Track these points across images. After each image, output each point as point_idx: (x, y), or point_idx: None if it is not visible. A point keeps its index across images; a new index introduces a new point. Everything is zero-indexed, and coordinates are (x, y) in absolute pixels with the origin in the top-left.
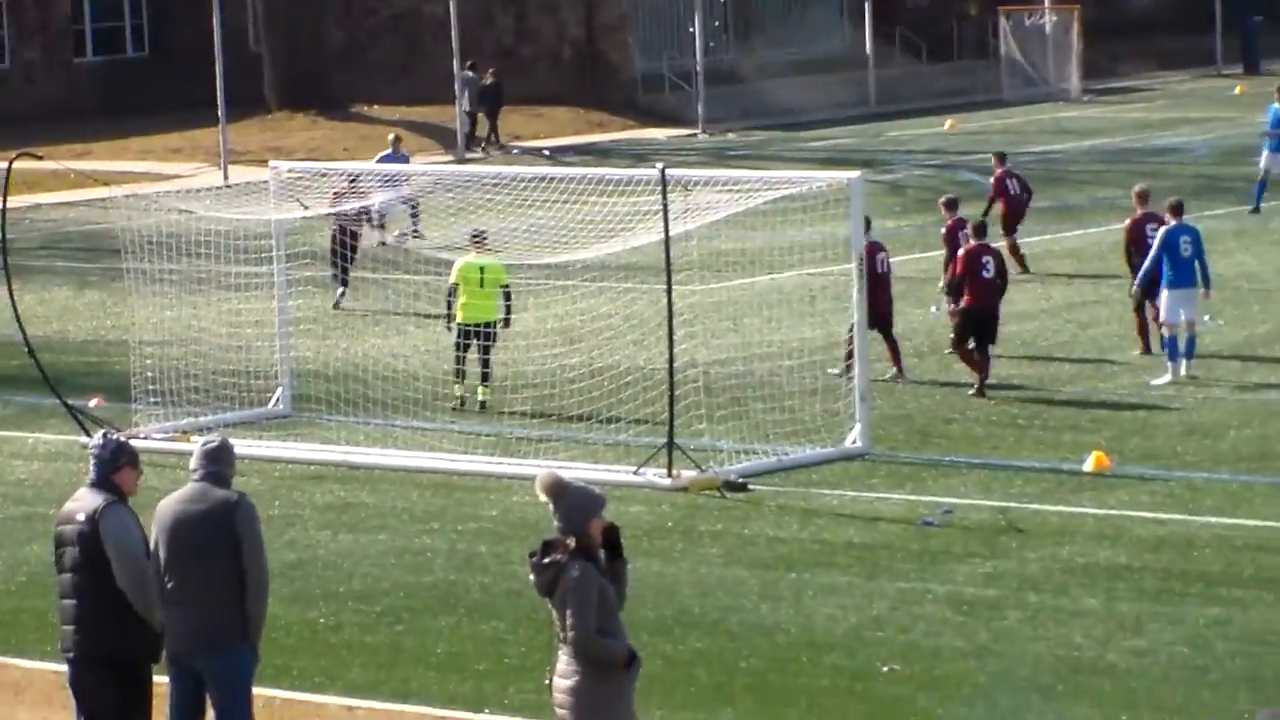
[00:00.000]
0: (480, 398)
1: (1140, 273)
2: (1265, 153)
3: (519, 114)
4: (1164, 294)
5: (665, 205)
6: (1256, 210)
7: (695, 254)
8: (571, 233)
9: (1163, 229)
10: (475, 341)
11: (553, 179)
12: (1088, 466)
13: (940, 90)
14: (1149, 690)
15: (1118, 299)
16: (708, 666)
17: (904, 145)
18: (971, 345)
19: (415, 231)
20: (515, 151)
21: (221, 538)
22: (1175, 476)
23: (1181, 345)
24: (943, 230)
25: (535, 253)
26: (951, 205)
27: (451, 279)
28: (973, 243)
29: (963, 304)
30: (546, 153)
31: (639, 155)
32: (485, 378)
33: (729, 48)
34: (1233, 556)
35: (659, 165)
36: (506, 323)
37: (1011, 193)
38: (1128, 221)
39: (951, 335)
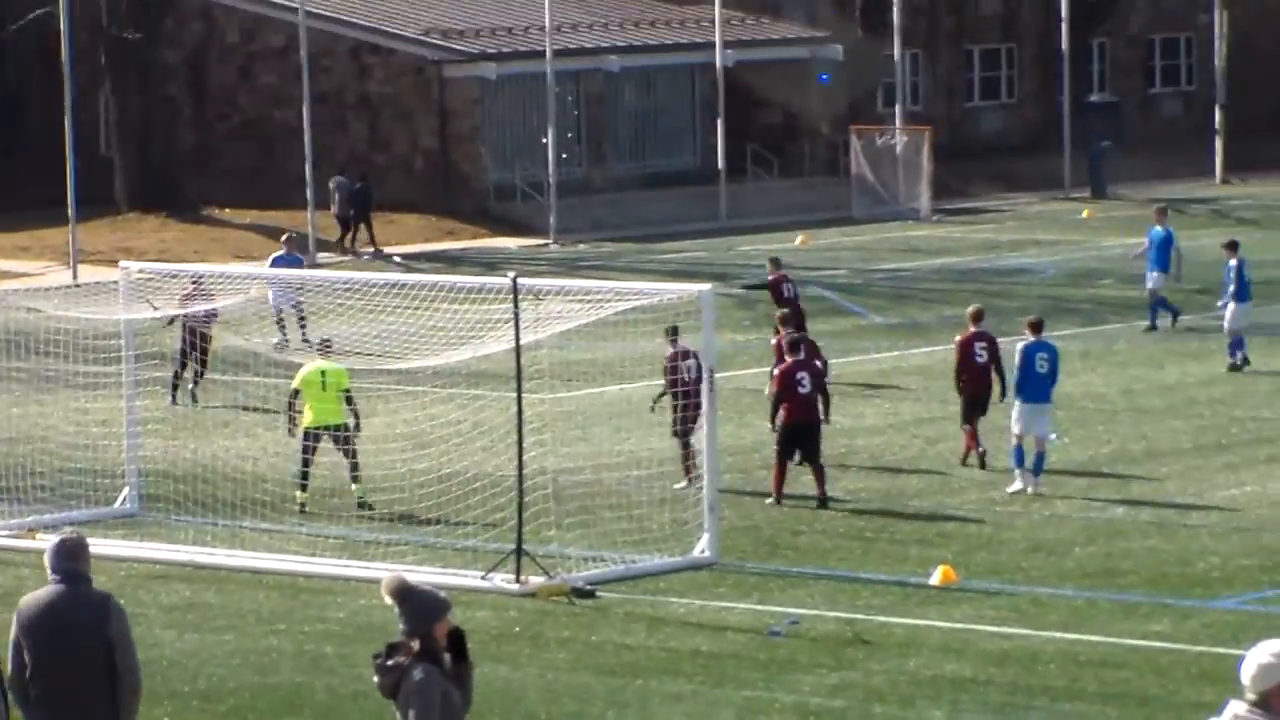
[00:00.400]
0: (358, 495)
1: (1014, 387)
2: (1151, 273)
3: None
4: (1017, 406)
5: (516, 314)
6: (1153, 328)
7: (545, 362)
8: (422, 339)
9: (1021, 344)
10: (326, 444)
11: (404, 285)
12: (934, 580)
13: (791, 206)
14: None
15: None
16: None
17: (755, 259)
18: (796, 457)
19: (303, 334)
20: (366, 258)
21: (93, 638)
22: (1021, 591)
23: (1029, 462)
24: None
25: (385, 359)
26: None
27: (295, 384)
28: (788, 360)
29: (781, 420)
30: (397, 259)
31: (490, 264)
32: (356, 478)
33: (582, 159)
34: (1076, 671)
35: (511, 274)
36: (357, 427)
37: (786, 295)
38: (958, 339)
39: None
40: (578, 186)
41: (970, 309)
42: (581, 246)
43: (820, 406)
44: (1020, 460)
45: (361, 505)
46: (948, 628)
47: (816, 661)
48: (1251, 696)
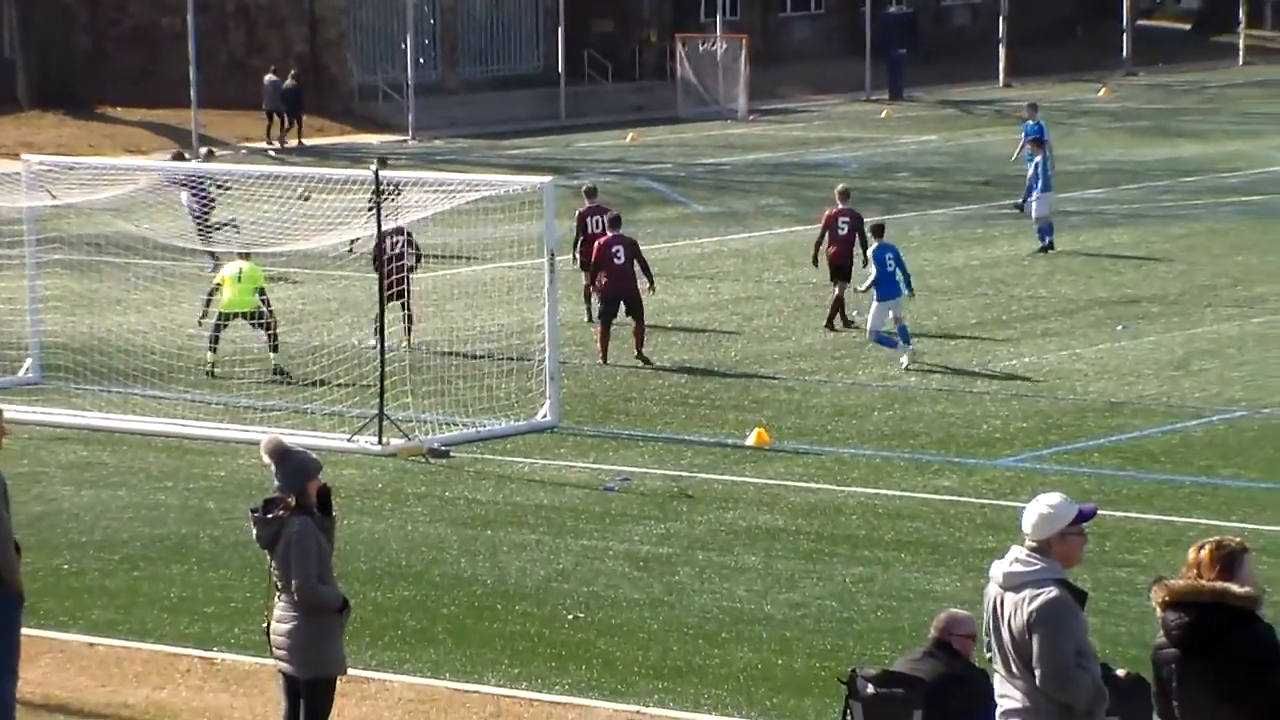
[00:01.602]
0: (275, 363)
1: (870, 281)
2: (1037, 194)
3: (248, 118)
4: (874, 305)
5: (378, 202)
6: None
7: (403, 247)
8: (294, 225)
9: (871, 249)
10: (239, 324)
11: (278, 177)
12: (750, 441)
13: (623, 107)
14: (802, 638)
15: (778, 295)
16: (413, 612)
17: (590, 155)
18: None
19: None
20: (244, 152)
21: None
22: (826, 451)
23: (897, 338)
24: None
25: (262, 242)
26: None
27: (216, 279)
28: (607, 234)
29: (600, 288)
30: (272, 153)
31: (355, 158)
32: (274, 348)
33: (437, 64)
34: (875, 522)
35: (373, 166)
36: (270, 315)
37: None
38: (827, 212)
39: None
40: (434, 88)
41: (838, 188)
42: (437, 142)
43: (639, 277)
44: (890, 342)
45: (278, 372)
46: (762, 483)
47: (646, 514)
48: (1031, 543)
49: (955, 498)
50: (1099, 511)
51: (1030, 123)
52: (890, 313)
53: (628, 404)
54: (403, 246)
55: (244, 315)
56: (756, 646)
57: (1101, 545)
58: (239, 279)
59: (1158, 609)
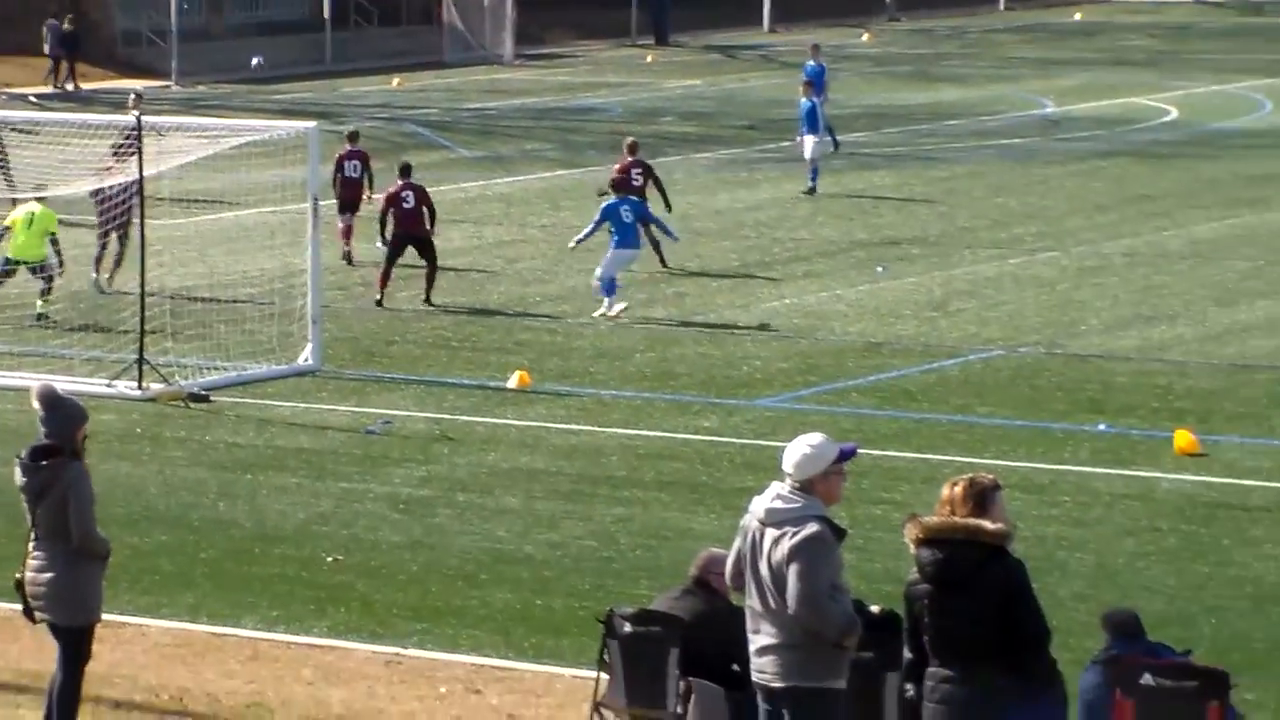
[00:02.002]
0: (40, 309)
1: (584, 235)
2: (806, 134)
3: (9, 64)
4: (614, 254)
5: (140, 147)
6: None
7: (166, 192)
8: (55, 170)
9: (604, 204)
10: (24, 274)
11: (39, 123)
12: (511, 383)
13: (389, 52)
14: (561, 578)
15: (541, 239)
16: (171, 556)
17: (356, 100)
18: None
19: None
20: (3, 98)
21: None
22: (587, 393)
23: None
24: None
25: (21, 188)
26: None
27: (6, 222)
28: (398, 182)
29: (391, 230)
30: (33, 99)
31: (118, 103)
32: (45, 299)
33: (201, 8)
34: (636, 463)
35: (135, 112)
36: (60, 264)
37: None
38: (618, 164)
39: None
40: (198, 33)
41: (627, 141)
42: (201, 88)
43: (425, 221)
44: (610, 290)
45: (40, 317)
46: (523, 425)
47: (407, 456)
48: (793, 483)
49: (716, 438)
50: (858, 450)
51: (811, 64)
52: (619, 267)
53: (390, 347)
54: (126, 193)
55: (29, 266)
56: (516, 587)
57: (859, 483)
58: (30, 224)
59: (911, 546)
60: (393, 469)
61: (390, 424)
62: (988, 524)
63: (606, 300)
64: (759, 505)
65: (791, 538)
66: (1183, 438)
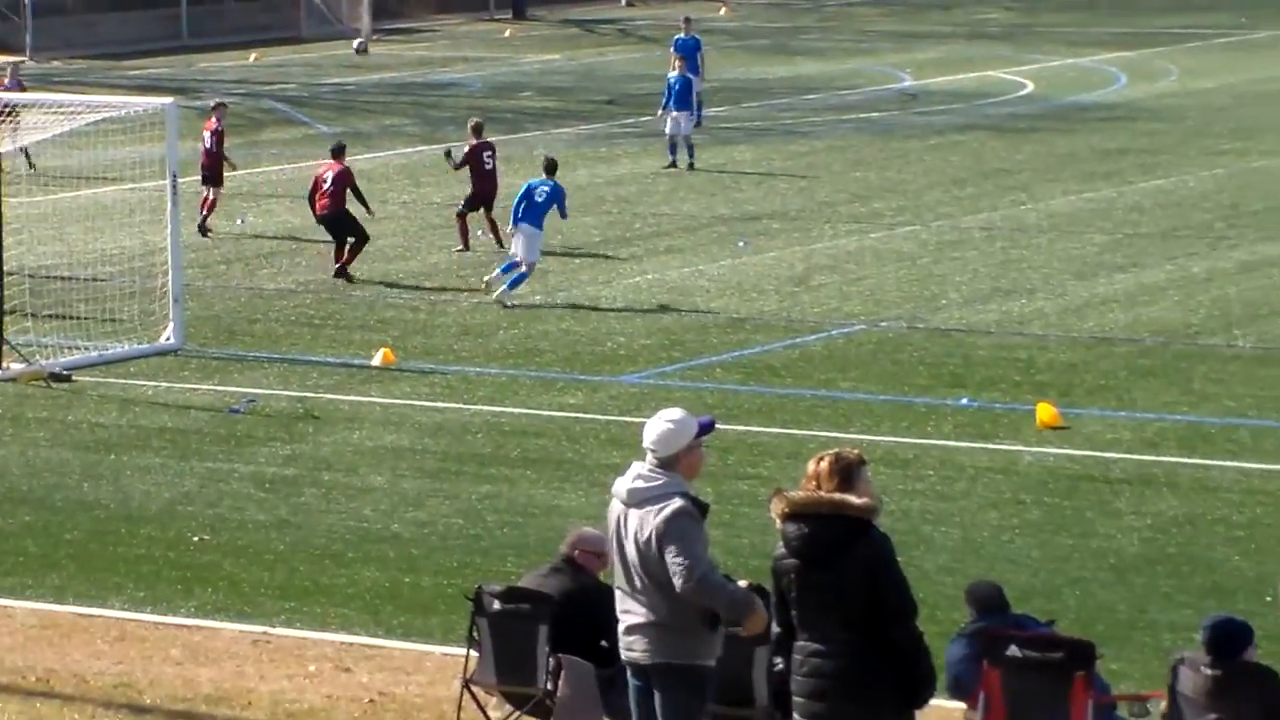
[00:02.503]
0: None
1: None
2: (677, 114)
3: None
4: (521, 230)
5: None
6: (673, 165)
7: (22, 169)
8: None
9: (527, 183)
10: None
11: None
12: (376, 361)
13: (246, 26)
14: (428, 556)
15: (403, 215)
16: (35, 538)
17: (213, 75)
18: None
19: None
20: None
21: None
22: (452, 370)
23: (515, 275)
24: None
25: None
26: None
27: None
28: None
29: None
30: None
31: None
32: None
33: None
34: (501, 440)
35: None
36: None
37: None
38: (466, 147)
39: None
40: (52, 8)
41: (472, 122)
42: (55, 63)
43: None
44: (508, 269)
45: None
46: (388, 403)
47: (272, 435)
48: (655, 459)
49: (581, 415)
50: (719, 426)
51: (682, 37)
52: (529, 251)
53: (252, 325)
54: None
55: None
56: (383, 566)
57: (724, 459)
58: None
59: (777, 520)
60: (257, 448)
61: (254, 403)
62: (853, 499)
63: (499, 277)
64: (621, 486)
65: (658, 516)
66: (1045, 411)
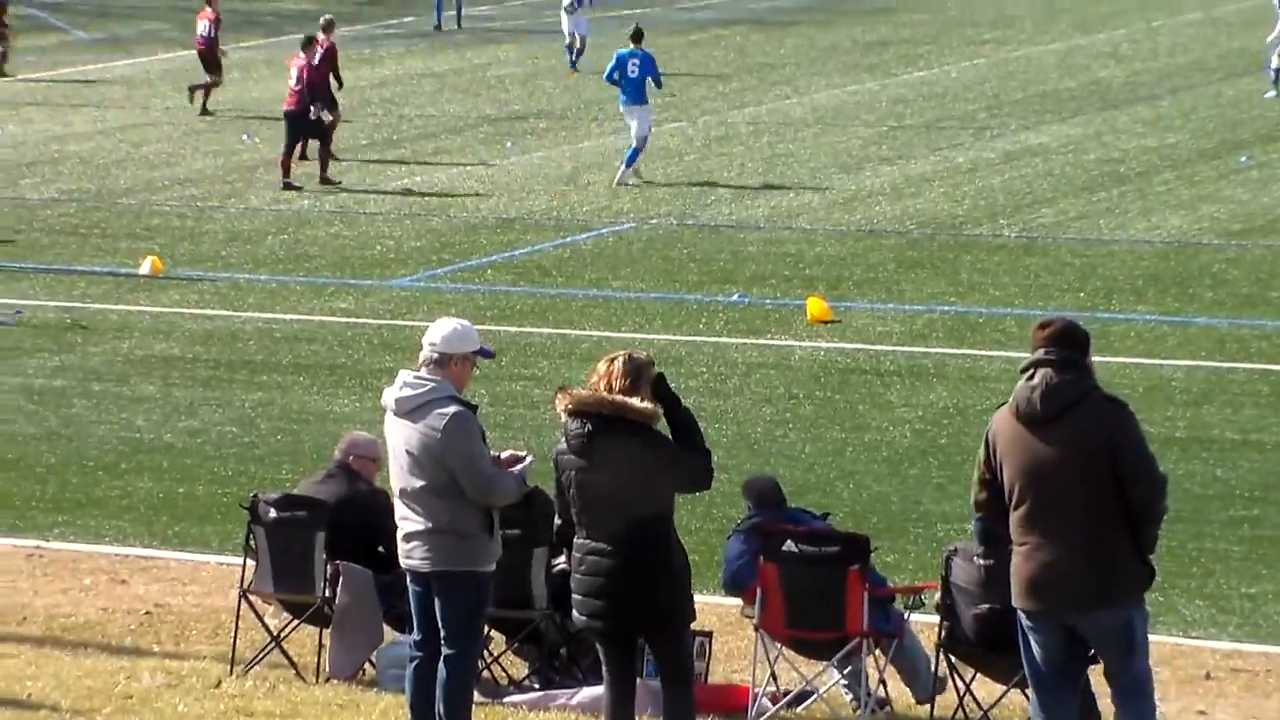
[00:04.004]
0: None
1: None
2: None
3: None
4: (621, 109)
5: None
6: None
7: None
8: None
9: (618, 52)
10: None
11: None
12: (144, 270)
13: None
14: (202, 465)
15: (166, 121)
16: None
17: None
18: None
19: None
20: None
21: None
22: (221, 278)
23: (627, 153)
24: None
25: None
26: None
27: None
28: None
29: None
30: None
31: None
32: None
33: None
34: (273, 347)
35: None
36: None
37: None
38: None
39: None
40: None
41: (324, 19)
42: None
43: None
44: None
45: None
46: (157, 312)
47: (39, 347)
48: (428, 361)
49: (352, 320)
50: (491, 327)
51: None
52: (635, 123)
53: (16, 235)
54: None
55: None
56: (157, 476)
57: (498, 361)
58: None
59: (562, 415)
60: (25, 359)
61: (21, 314)
62: (635, 402)
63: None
64: (389, 396)
65: (434, 423)
66: (815, 305)
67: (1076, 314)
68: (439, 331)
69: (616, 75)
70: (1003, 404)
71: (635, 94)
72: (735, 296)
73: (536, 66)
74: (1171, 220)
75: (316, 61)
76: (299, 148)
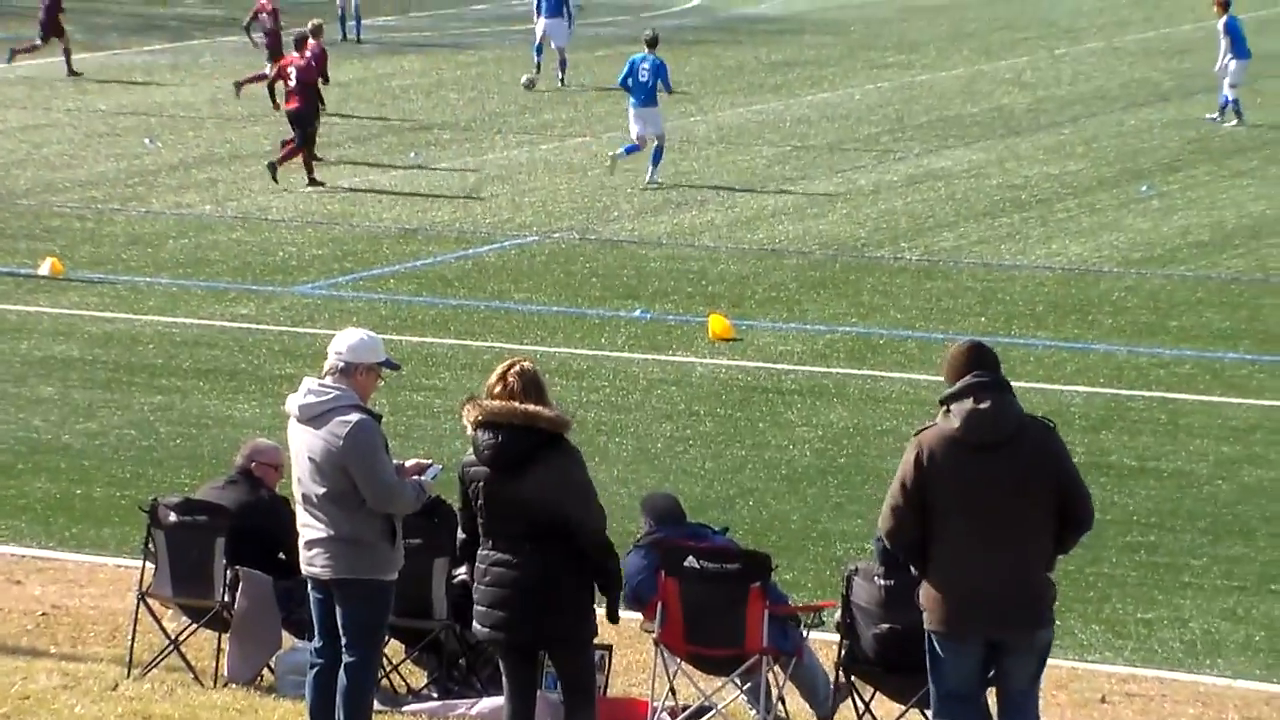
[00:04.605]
0: None
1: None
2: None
3: None
4: (632, 111)
5: None
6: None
7: None
8: None
9: (631, 57)
10: None
11: None
12: (43, 271)
13: None
14: (100, 467)
15: (67, 122)
16: None
17: None
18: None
19: None
20: None
21: None
22: (122, 280)
23: (651, 154)
24: None
25: None
26: None
27: None
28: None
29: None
30: None
31: None
32: None
33: None
34: (173, 350)
35: None
36: None
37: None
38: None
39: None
40: None
41: (312, 24)
42: None
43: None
44: (632, 149)
45: None
46: (56, 313)
47: None
48: (332, 370)
49: (253, 325)
50: (393, 336)
51: None
52: (647, 126)
53: None
54: None
55: None
56: (54, 477)
57: (400, 372)
58: None
59: (469, 427)
60: None
61: None
62: (546, 411)
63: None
64: (293, 403)
65: (337, 431)
66: (717, 323)
67: (978, 338)
68: (345, 341)
69: (629, 80)
70: (923, 430)
71: (647, 97)
72: (638, 312)
73: (441, 77)
74: (1072, 247)
75: (307, 62)
76: (303, 147)
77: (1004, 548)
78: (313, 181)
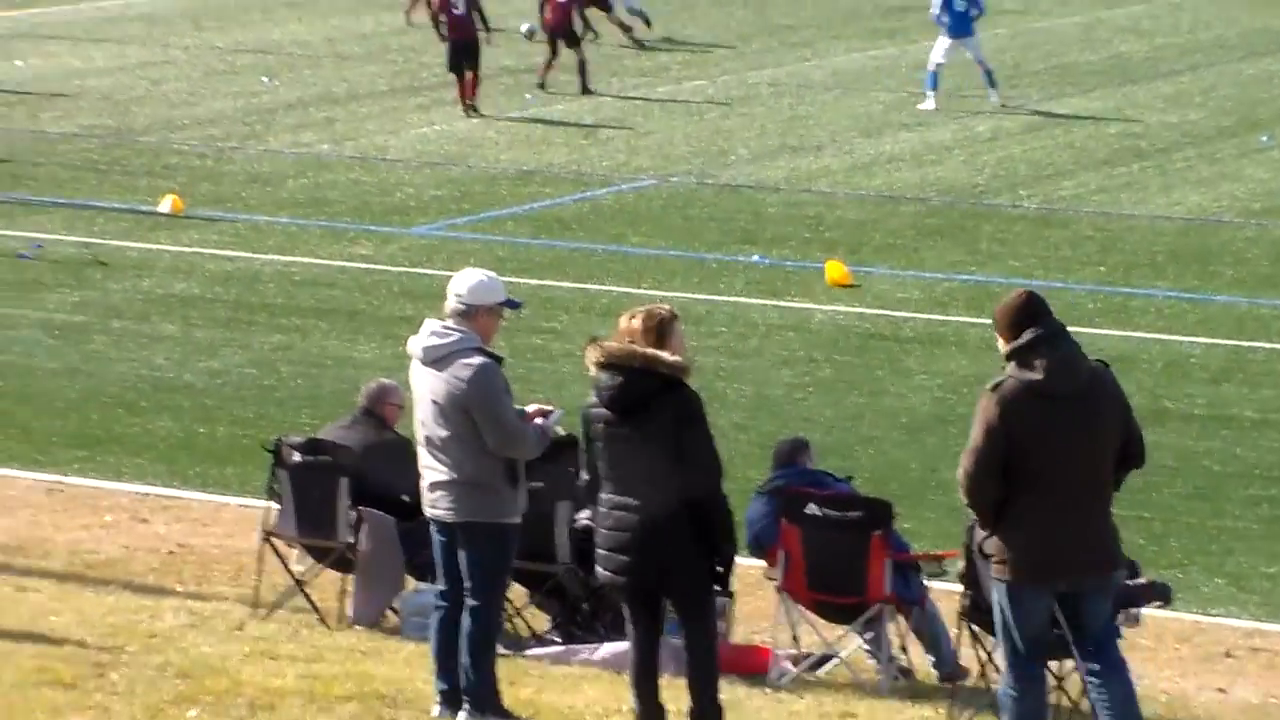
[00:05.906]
0: None
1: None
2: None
3: None
4: (941, 40)
5: None
6: None
7: None
8: None
9: None
10: None
11: None
12: (164, 208)
13: None
14: (223, 406)
15: (185, 60)
16: None
17: None
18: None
19: None
20: None
21: None
22: (241, 219)
23: (985, 79)
24: None
25: None
26: None
27: None
28: None
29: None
30: None
31: None
32: None
33: None
34: (293, 290)
35: None
36: None
37: None
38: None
39: None
40: None
41: None
42: None
43: (479, 24)
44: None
45: None
46: (177, 251)
47: (60, 281)
48: (459, 307)
49: (372, 266)
50: (512, 279)
51: None
52: (968, 52)
53: (36, 169)
54: None
55: None
56: (177, 415)
57: (519, 312)
58: None
59: (592, 369)
60: (46, 294)
61: (41, 248)
62: (666, 356)
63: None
64: (415, 345)
65: (461, 374)
66: (835, 269)
67: (1097, 288)
68: (465, 282)
69: (943, 9)
70: (998, 384)
71: (962, 26)
72: (755, 257)
73: None
74: (1191, 197)
75: None
76: (470, 74)
77: (1084, 493)
78: (470, 110)
